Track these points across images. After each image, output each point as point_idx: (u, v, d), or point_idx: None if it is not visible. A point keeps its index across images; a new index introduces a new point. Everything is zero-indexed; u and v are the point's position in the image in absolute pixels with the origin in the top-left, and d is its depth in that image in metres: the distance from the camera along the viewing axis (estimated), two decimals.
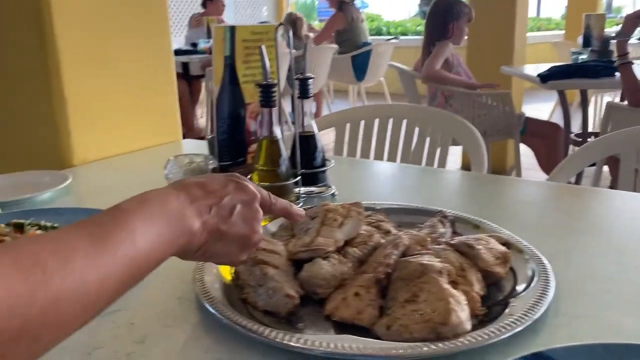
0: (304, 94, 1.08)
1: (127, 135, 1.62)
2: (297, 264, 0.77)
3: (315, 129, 1.12)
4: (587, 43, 3.86)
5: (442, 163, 1.69)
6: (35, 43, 1.40)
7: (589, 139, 3.58)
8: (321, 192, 1.13)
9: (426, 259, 0.70)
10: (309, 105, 1.10)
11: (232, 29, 1.11)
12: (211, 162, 1.18)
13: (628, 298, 0.71)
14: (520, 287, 0.73)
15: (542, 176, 3.73)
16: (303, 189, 1.10)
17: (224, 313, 0.66)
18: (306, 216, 0.85)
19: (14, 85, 1.52)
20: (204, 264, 0.79)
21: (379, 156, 1.78)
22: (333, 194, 1.13)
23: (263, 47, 1.01)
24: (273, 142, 1.03)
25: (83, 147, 1.50)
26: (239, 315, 0.66)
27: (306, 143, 1.11)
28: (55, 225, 0.90)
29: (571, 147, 3.65)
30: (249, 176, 1.06)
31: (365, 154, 1.80)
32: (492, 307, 0.69)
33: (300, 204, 1.07)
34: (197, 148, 1.72)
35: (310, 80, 1.09)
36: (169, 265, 0.85)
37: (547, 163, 3.45)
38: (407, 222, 0.97)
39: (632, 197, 1.14)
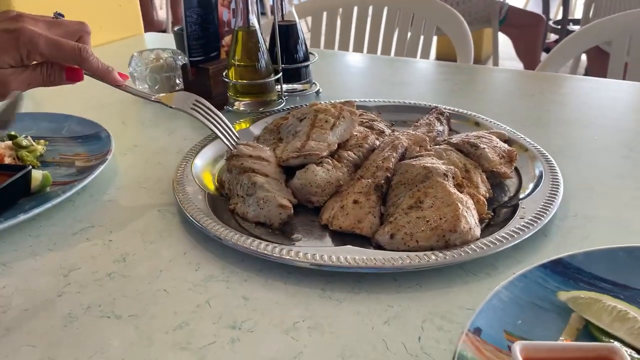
0: None
1: None
2: (287, 170, 0.70)
3: (296, 17, 1.01)
4: None
5: (426, 54, 1.60)
6: None
7: (568, 27, 3.49)
8: (304, 90, 1.04)
9: (429, 162, 0.64)
10: None
11: None
12: (180, 57, 1.07)
13: None
14: (526, 188, 0.69)
15: (518, 65, 3.67)
16: (285, 86, 1.01)
17: (213, 227, 0.60)
18: (294, 117, 0.77)
19: None
20: (183, 173, 0.72)
21: (358, 47, 1.67)
22: (317, 92, 1.05)
23: None
24: (250, 33, 0.92)
25: None
26: (229, 228, 0.60)
27: (287, 34, 1.00)
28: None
29: (550, 35, 3.56)
30: (224, 72, 0.96)
31: (343, 46, 1.69)
32: (498, 210, 0.65)
33: (283, 104, 0.98)
34: (162, 43, 1.58)
35: None
36: (144, 173, 0.79)
37: (526, 54, 3.37)
38: (400, 120, 0.90)
39: (630, 85, 1.09)
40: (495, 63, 3.37)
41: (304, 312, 0.51)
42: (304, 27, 1.03)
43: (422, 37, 1.61)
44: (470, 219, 0.58)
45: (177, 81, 1.06)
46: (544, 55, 3.44)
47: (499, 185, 0.70)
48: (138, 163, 0.81)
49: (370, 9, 1.68)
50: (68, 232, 0.65)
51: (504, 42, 3.60)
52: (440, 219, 0.57)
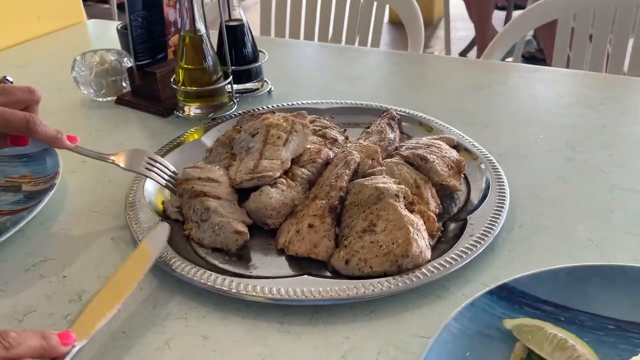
0: None
1: (18, 19, 1.39)
2: (241, 190, 0.70)
3: (243, 16, 0.98)
4: None
5: (376, 41, 1.58)
6: None
7: None
8: (256, 90, 1.03)
9: (381, 181, 0.65)
10: None
11: None
12: (125, 59, 1.03)
13: (582, 202, 0.71)
14: (474, 198, 0.71)
15: (469, 26, 3.70)
16: (236, 87, 1.00)
17: (169, 261, 0.60)
18: (246, 132, 0.77)
19: None
20: (135, 197, 0.71)
21: (309, 29, 1.65)
22: (269, 91, 1.04)
23: None
24: (197, 38, 0.90)
25: None
26: (185, 260, 0.61)
27: (234, 34, 0.98)
28: None
29: None
30: (172, 77, 0.94)
31: (294, 27, 1.66)
32: (448, 224, 0.67)
33: (234, 107, 0.97)
34: (105, 33, 1.52)
35: None
36: (95, 195, 0.77)
37: (479, 16, 3.40)
38: (353, 122, 0.91)
39: (573, 75, 1.12)
40: (447, 26, 3.39)
41: (263, 349, 0.52)
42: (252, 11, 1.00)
43: (373, 17, 1.60)
44: (421, 241, 0.60)
45: (124, 84, 1.03)
46: (496, 14, 3.47)
47: (449, 196, 0.72)
48: (88, 182, 0.80)
49: None
50: (20, 269, 0.63)
51: (455, 4, 3.62)
52: (393, 243, 0.59)
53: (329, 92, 1.06)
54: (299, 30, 1.65)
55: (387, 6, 1.57)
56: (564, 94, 1.01)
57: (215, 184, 0.69)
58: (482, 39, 3.47)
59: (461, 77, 1.11)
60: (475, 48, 3.63)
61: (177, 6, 0.99)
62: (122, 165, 0.71)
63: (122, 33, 1.08)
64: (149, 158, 0.73)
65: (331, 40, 1.63)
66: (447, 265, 0.58)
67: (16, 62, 1.28)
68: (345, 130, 0.87)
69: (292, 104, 0.95)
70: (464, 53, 3.79)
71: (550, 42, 1.45)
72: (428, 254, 0.60)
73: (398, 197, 0.63)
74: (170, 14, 0.99)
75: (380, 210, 0.62)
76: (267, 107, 0.94)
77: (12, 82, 0.66)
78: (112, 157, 0.72)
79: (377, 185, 0.64)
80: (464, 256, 0.60)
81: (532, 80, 1.07)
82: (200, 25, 0.89)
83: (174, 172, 0.74)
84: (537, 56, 3.31)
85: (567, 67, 1.42)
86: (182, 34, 0.90)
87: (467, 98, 1.01)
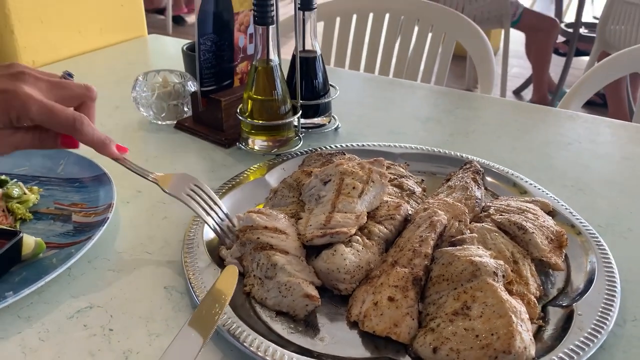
0: (307, 3, 0.87)
1: (83, 31, 1.36)
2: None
3: (318, 48, 0.92)
4: None
5: (442, 78, 1.50)
6: None
7: (580, 30, 3.39)
8: (323, 126, 0.96)
9: (475, 254, 0.57)
10: (313, 19, 0.89)
11: None
12: (190, 82, 0.98)
13: None
14: (576, 280, 0.61)
15: (526, 65, 3.60)
16: (303, 120, 0.93)
17: (233, 329, 0.53)
18: (317, 178, 0.69)
19: None
20: (193, 241, 0.65)
21: (372, 56, 1.58)
22: (337, 128, 0.97)
23: None
24: (269, 69, 0.84)
25: (31, 48, 1.26)
26: (247, 326, 0.53)
27: (307, 66, 0.92)
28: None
29: (559, 37, 3.48)
30: (238, 107, 0.88)
31: (355, 53, 1.60)
32: (547, 308, 0.58)
33: (300, 143, 0.90)
34: (167, 50, 1.49)
35: None
36: (149, 232, 0.71)
37: (537, 56, 3.29)
38: (429, 172, 0.83)
39: None
40: (505, 64, 3.29)
41: None
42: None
43: (439, 53, 1.53)
44: (525, 335, 0.50)
45: (185, 109, 0.98)
46: (554, 57, 3.36)
47: (542, 272, 0.63)
48: (142, 216, 0.74)
49: (387, 17, 1.59)
50: (62, 315, 0.57)
51: (513, 40, 3.52)
52: (492, 334, 0.50)
53: (399, 133, 0.98)
54: (361, 52, 1.59)
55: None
56: None
57: (283, 236, 0.62)
58: (539, 80, 3.36)
59: (545, 129, 1.01)
60: (529, 87, 3.52)
61: (249, 31, 0.94)
62: (163, 187, 0.65)
63: (188, 55, 1.03)
64: (195, 185, 0.66)
65: (393, 74, 1.56)
66: None
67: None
68: (423, 181, 0.79)
69: (363, 145, 0.87)
70: (518, 91, 3.68)
71: (615, 88, 1.34)
72: (533, 350, 0.50)
73: (497, 276, 0.54)
74: (240, 39, 0.94)
75: (475, 290, 0.53)
76: (335, 146, 0.87)
77: (72, 78, 0.60)
78: (153, 175, 0.65)
79: (473, 259, 0.56)
80: (575, 357, 0.50)
81: (625, 140, 0.97)
82: (273, 56, 0.83)
83: (225, 215, 0.67)
84: (595, 101, 3.17)
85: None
86: (254, 63, 0.84)
87: (555, 154, 0.91)
